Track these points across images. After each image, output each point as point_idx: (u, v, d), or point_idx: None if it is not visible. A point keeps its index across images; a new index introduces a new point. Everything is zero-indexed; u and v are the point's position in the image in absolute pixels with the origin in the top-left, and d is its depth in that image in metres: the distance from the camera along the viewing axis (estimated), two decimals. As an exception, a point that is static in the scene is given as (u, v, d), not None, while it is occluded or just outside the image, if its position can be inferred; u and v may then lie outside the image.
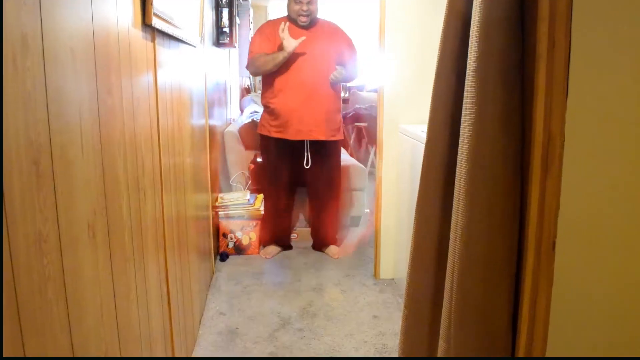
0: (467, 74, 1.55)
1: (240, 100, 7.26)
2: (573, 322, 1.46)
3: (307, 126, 3.88)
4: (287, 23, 3.76)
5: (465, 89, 1.56)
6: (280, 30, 3.70)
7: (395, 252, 3.72)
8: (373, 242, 3.93)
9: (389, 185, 3.70)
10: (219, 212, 4.21)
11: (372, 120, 6.10)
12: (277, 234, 4.29)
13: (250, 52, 3.96)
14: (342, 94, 4.29)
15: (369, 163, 6.56)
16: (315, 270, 3.96)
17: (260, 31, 4.02)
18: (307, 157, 3.98)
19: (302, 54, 3.80)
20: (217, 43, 4.53)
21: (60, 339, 1.08)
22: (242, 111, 6.36)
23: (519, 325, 1.55)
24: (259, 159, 4.50)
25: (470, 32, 1.54)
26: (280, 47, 3.73)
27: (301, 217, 4.59)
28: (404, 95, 3.53)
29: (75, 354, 1.16)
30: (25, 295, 0.93)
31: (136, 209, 1.67)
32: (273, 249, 4.27)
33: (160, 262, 2.02)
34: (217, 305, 3.33)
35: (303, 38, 3.70)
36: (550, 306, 1.44)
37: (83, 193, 1.22)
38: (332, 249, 4.26)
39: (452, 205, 1.66)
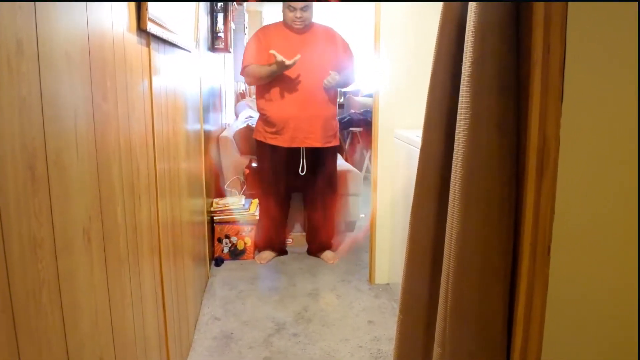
0: (462, 78, 1.55)
1: (235, 105, 7.27)
2: (568, 326, 1.46)
3: (303, 133, 3.88)
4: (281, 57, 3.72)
5: (460, 93, 1.56)
6: (274, 55, 3.69)
7: (390, 257, 3.72)
8: (368, 247, 3.93)
9: (384, 190, 3.70)
10: (214, 217, 4.21)
11: (367, 125, 6.11)
12: (272, 239, 4.28)
13: (244, 60, 3.96)
14: (338, 99, 4.28)
15: (364, 168, 6.57)
16: (310, 276, 3.96)
17: (253, 40, 4.00)
18: (303, 163, 3.98)
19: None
20: (212, 48, 4.53)
21: (55, 344, 1.08)
22: (237, 116, 6.37)
23: (514, 330, 1.55)
24: (254, 164, 4.50)
25: (466, 36, 1.54)
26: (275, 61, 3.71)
27: (296, 222, 4.59)
28: (399, 100, 3.54)
29: (70, 359, 1.15)
30: (20, 300, 0.92)
31: (131, 214, 1.67)
32: (268, 254, 4.26)
33: (155, 267, 2.01)
34: (212, 310, 3.33)
35: (298, 57, 3.68)
36: (545, 310, 1.44)
37: (78, 198, 1.22)
38: (327, 254, 4.26)
39: (447, 209, 1.66)
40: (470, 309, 1.59)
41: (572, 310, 1.45)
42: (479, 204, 1.53)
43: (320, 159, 4.04)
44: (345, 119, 7.28)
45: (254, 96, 4.34)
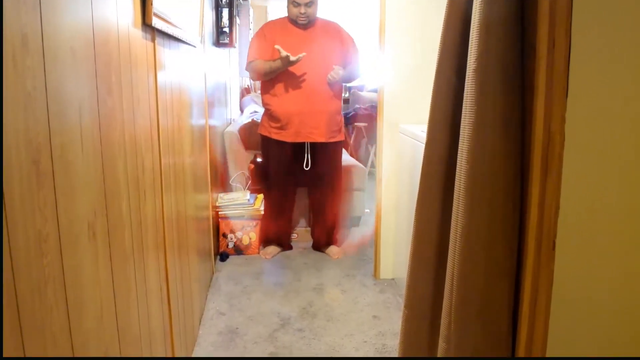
0: (467, 73, 1.55)
1: (240, 100, 7.26)
2: (573, 321, 1.46)
3: (307, 128, 3.88)
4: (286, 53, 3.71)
5: (465, 88, 1.56)
6: (279, 51, 3.69)
7: (395, 252, 3.72)
8: (373, 242, 3.93)
9: (389, 185, 3.70)
10: (219, 212, 4.21)
11: (372, 120, 6.10)
12: (277, 234, 4.28)
13: (249, 56, 3.96)
14: (342, 94, 4.28)
15: (369, 163, 6.56)
16: (315, 271, 3.96)
17: (258, 35, 4.01)
18: (307, 158, 3.98)
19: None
20: (217, 43, 4.53)
21: (60, 339, 1.08)
22: (242, 111, 6.36)
23: (519, 325, 1.55)
24: (259, 159, 4.50)
25: (470, 31, 1.54)
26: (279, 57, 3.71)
27: (301, 217, 4.59)
28: (404, 95, 3.53)
29: (75, 354, 1.16)
30: (25, 295, 0.93)
31: (136, 209, 1.67)
32: (273, 249, 4.27)
33: (160, 262, 2.02)
34: (217, 305, 3.33)
35: (303, 54, 3.68)
36: (550, 305, 1.44)
37: (83, 193, 1.22)
38: (332, 249, 4.26)
39: (452, 204, 1.66)
40: (475, 304, 1.59)
41: (577, 305, 1.45)
42: (484, 199, 1.53)
43: (325, 154, 4.04)
44: (350, 114, 7.26)
45: (259, 91, 4.34)
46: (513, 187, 1.51)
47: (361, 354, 2.81)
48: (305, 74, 3.82)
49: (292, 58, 3.64)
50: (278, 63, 3.72)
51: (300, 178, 4.16)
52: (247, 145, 4.74)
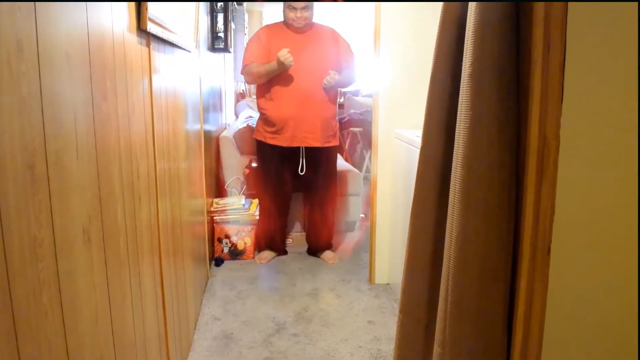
0: (462, 78, 1.55)
1: (235, 105, 7.27)
2: (568, 326, 1.46)
3: (302, 133, 3.88)
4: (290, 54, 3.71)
5: (461, 93, 1.56)
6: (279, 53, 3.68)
7: (390, 257, 3.72)
8: (368, 247, 3.93)
9: (384, 190, 3.70)
10: (214, 217, 4.21)
11: (367, 125, 6.11)
12: (272, 239, 4.28)
13: (244, 59, 3.96)
14: (338, 99, 4.28)
15: (364, 168, 6.56)
16: (310, 275, 3.96)
17: (254, 39, 4.01)
18: (302, 163, 3.98)
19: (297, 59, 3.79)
20: (212, 48, 4.53)
21: (55, 344, 1.08)
22: (237, 116, 6.37)
23: (514, 330, 1.55)
24: (254, 164, 4.50)
25: (466, 36, 1.54)
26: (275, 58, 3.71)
27: (296, 222, 4.59)
28: (399, 100, 3.54)
29: (70, 358, 1.15)
30: (20, 300, 0.92)
31: (131, 214, 1.67)
32: (268, 254, 4.26)
33: (155, 267, 2.01)
34: (212, 310, 3.33)
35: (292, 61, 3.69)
36: (545, 310, 1.44)
37: (78, 198, 1.22)
38: (327, 254, 4.26)
39: (447, 210, 1.66)
40: (470, 309, 1.59)
41: (572, 310, 1.45)
42: (479, 204, 1.53)
43: (320, 158, 4.04)
44: (345, 119, 7.27)
45: (254, 96, 4.35)
46: (508, 192, 1.52)
47: (356, 359, 2.81)
48: (301, 78, 3.82)
49: (289, 59, 3.64)
50: (274, 65, 3.72)
51: (295, 183, 4.15)
52: (242, 150, 4.74)
